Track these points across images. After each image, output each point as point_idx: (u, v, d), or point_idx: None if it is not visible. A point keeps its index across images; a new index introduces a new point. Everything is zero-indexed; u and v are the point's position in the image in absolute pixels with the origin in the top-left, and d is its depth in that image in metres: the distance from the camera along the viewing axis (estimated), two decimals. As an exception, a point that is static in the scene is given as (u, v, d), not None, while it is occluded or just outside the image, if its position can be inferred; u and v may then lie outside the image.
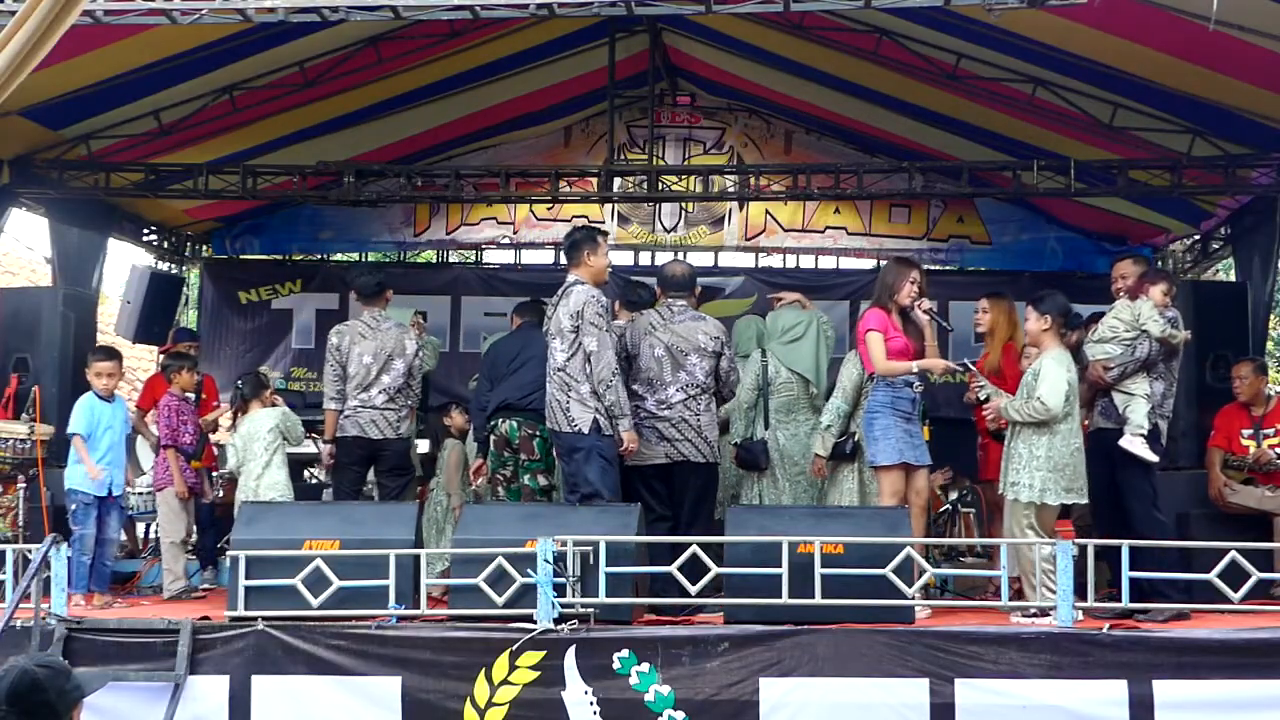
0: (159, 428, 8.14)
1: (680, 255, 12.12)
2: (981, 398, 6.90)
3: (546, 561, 5.96)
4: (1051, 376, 6.45)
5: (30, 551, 6.38)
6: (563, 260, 7.51)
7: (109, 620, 6.60)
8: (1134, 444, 6.68)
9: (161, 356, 11.09)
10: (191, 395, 8.38)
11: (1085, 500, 6.65)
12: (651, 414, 7.03)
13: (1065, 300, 6.81)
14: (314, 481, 9.86)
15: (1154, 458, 6.65)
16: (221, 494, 8.58)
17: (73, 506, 7.51)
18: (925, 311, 7.04)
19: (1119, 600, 6.08)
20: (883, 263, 11.67)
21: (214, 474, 8.63)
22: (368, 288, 7.92)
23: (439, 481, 8.48)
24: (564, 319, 6.85)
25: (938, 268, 12.02)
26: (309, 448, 8.97)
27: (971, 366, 7.00)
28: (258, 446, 7.86)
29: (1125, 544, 6.13)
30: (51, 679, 3.31)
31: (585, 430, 6.77)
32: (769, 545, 6.04)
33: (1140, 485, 6.71)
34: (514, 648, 5.94)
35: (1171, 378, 6.85)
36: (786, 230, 11.90)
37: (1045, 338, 6.66)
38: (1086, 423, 6.85)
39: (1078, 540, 6.21)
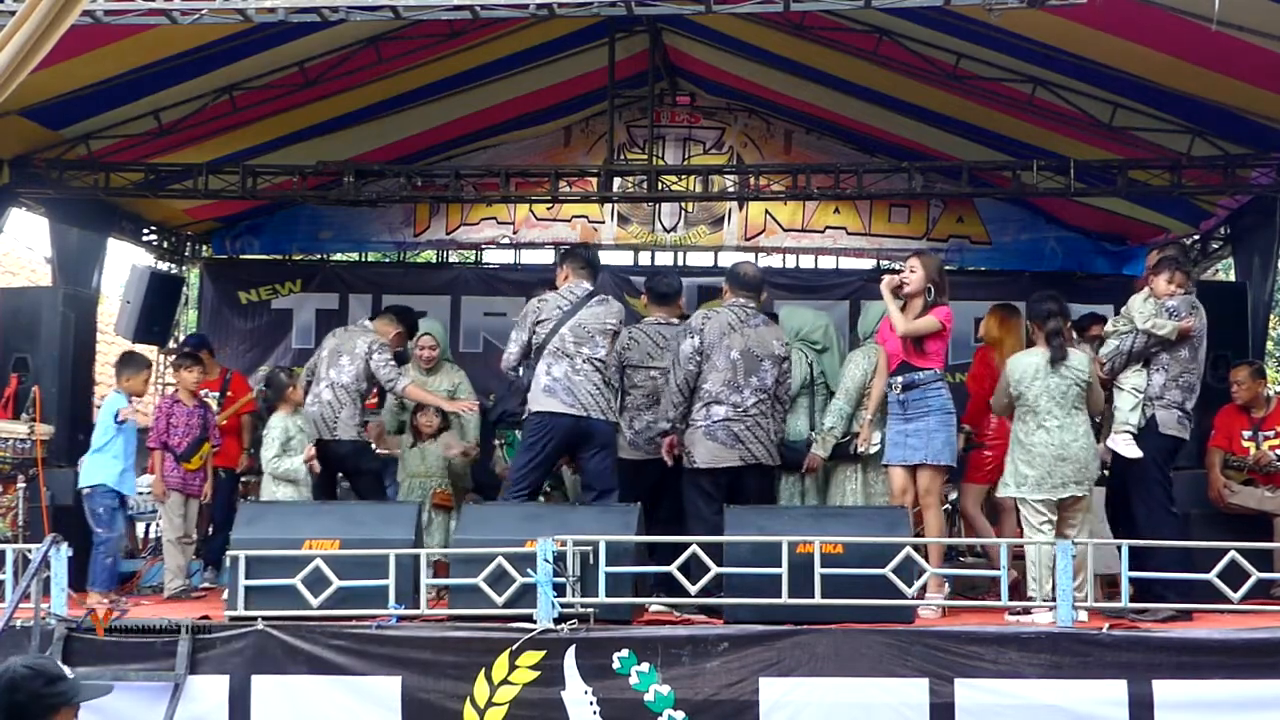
0: (152, 427, 8.13)
1: (681, 257, 12.21)
2: None
3: (546, 561, 5.97)
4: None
5: (30, 551, 6.39)
6: (554, 266, 7.63)
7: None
8: (1116, 441, 6.68)
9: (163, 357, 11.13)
10: (189, 392, 8.29)
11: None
12: (726, 416, 6.91)
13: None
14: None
15: (1136, 454, 6.61)
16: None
17: (99, 509, 7.51)
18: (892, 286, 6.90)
19: (1119, 600, 6.08)
20: (883, 263, 11.77)
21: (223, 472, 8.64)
22: None
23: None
24: (609, 320, 7.09)
25: (937, 268, 12.02)
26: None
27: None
28: (275, 434, 7.69)
29: (1125, 544, 6.13)
30: (29, 680, 3.25)
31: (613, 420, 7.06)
32: (769, 545, 6.04)
33: (1138, 485, 6.69)
34: (514, 647, 5.94)
35: (1179, 368, 6.68)
36: (786, 230, 11.88)
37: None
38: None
39: (1077, 540, 6.21)
